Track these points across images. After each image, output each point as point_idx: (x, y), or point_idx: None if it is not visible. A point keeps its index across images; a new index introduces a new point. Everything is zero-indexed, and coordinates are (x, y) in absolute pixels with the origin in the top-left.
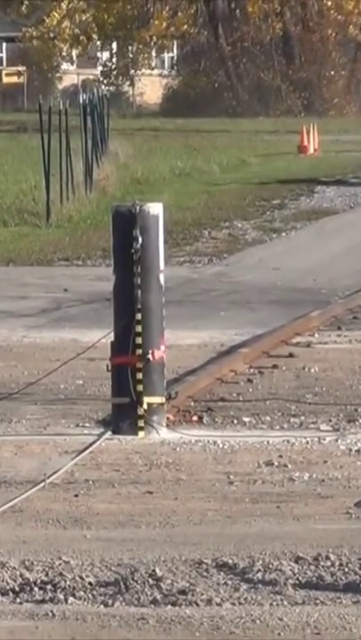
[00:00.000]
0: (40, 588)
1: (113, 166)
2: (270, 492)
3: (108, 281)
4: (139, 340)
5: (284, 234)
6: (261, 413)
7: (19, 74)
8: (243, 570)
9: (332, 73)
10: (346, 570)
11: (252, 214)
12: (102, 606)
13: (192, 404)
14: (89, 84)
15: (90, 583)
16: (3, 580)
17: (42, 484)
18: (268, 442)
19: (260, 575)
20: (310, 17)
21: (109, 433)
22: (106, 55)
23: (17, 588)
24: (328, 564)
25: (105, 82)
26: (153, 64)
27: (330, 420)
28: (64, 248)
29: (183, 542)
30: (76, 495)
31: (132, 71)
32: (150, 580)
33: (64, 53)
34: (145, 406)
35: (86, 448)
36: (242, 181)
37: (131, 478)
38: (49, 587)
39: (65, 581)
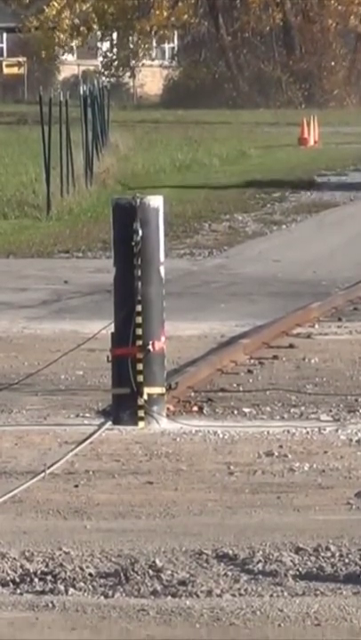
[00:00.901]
0: (40, 579)
1: (113, 158)
2: (271, 483)
3: (108, 273)
4: (139, 332)
5: (284, 226)
6: (262, 404)
7: (19, 65)
8: (243, 561)
9: (333, 64)
10: (346, 561)
11: (253, 207)
12: (102, 597)
13: (192, 394)
14: (89, 76)
15: (90, 574)
16: (3, 571)
17: (42, 475)
18: (268, 432)
19: (260, 566)
20: (311, 7)
21: (110, 423)
22: (106, 46)
23: (17, 579)
24: (328, 554)
25: (105, 73)
26: (153, 55)
27: (330, 411)
28: (64, 240)
29: (183, 533)
30: (77, 486)
31: (133, 62)
32: (150, 570)
33: (64, 44)
34: (145, 397)
35: (86, 438)
36: (242, 174)
37: (131, 469)
38: (49, 578)
39: (65, 572)
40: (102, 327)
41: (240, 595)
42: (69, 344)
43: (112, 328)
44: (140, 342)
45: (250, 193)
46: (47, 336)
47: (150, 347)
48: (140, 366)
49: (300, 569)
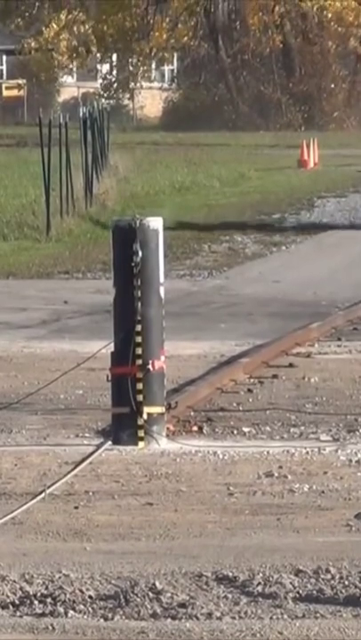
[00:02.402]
0: (40, 602)
1: (113, 180)
2: (270, 504)
3: (107, 293)
4: (139, 351)
5: (284, 247)
6: (261, 423)
7: (19, 87)
8: (243, 583)
9: (333, 86)
10: (346, 583)
11: (252, 228)
12: (102, 620)
13: (192, 413)
14: (89, 98)
15: (90, 596)
16: (3, 594)
17: (42, 495)
18: (268, 452)
19: (260, 588)
20: (310, 29)
21: (109, 443)
22: (106, 68)
23: (17, 602)
24: (328, 577)
25: (105, 95)
26: (153, 77)
27: (330, 430)
28: (64, 261)
29: (183, 555)
30: (76, 507)
31: (132, 84)
32: (150, 593)
33: (63, 66)
34: (145, 416)
35: (86, 458)
36: (242, 195)
37: (131, 490)
38: (49, 600)
39: (65, 595)
40: (102, 346)
41: (240, 617)
42: (69, 363)
43: (112, 347)
44: (139, 361)
45: (249, 214)
46: (47, 355)
47: (150, 366)
48: (139, 386)
49: (300, 591)
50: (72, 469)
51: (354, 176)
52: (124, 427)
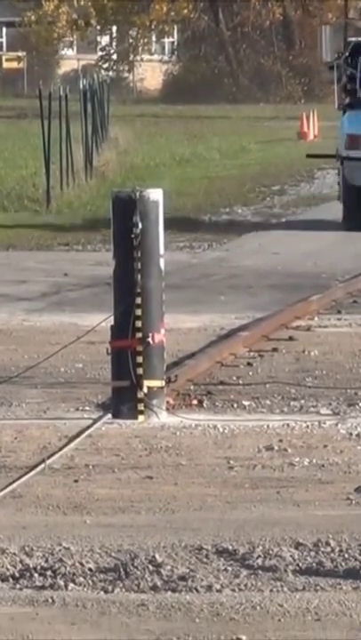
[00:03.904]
0: (40, 575)
1: (113, 152)
2: (270, 478)
3: (107, 265)
4: (138, 324)
5: (283, 219)
6: (261, 397)
7: (19, 59)
8: (243, 556)
9: None
10: (346, 556)
11: (253, 200)
12: (102, 592)
13: (192, 387)
14: (89, 70)
15: (90, 569)
16: (3, 566)
17: (42, 466)
18: (268, 426)
19: (260, 561)
20: (310, 1)
21: (109, 416)
22: (105, 40)
23: (17, 574)
24: (328, 549)
25: (104, 67)
26: (153, 49)
27: (330, 404)
28: (64, 233)
29: (183, 528)
30: (76, 480)
31: (132, 56)
32: (150, 566)
33: (63, 38)
34: (145, 390)
35: (84, 430)
36: (242, 167)
37: (131, 463)
38: (49, 573)
39: (65, 567)
40: (102, 320)
41: (240, 590)
42: (69, 337)
43: (112, 320)
44: (139, 335)
45: (249, 186)
46: (47, 328)
47: (150, 339)
48: (139, 359)
49: (300, 564)
50: (69, 441)
51: None
52: (124, 400)
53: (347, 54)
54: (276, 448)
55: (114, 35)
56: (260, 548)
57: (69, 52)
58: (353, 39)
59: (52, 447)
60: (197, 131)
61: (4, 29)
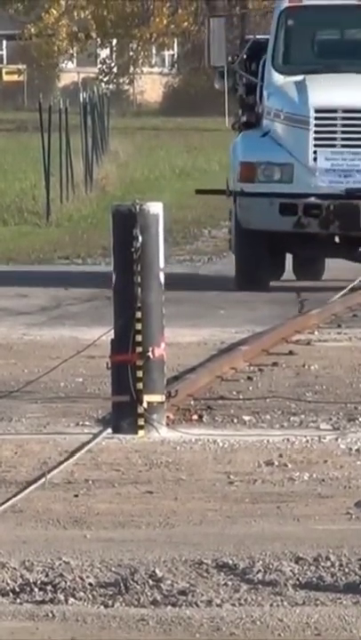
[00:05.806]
0: (40, 589)
1: (113, 165)
2: (270, 492)
3: (108, 279)
4: (139, 338)
5: None
6: (261, 412)
7: (19, 72)
8: (243, 570)
9: None
10: (346, 570)
11: None
12: (102, 607)
13: (192, 402)
14: (89, 83)
15: (90, 584)
16: (3, 581)
17: (42, 480)
18: (268, 441)
19: (260, 576)
20: None
21: (109, 431)
22: (105, 53)
23: (17, 589)
24: (328, 564)
25: (105, 80)
26: (153, 62)
27: (330, 419)
28: (64, 247)
29: (183, 542)
30: (76, 495)
31: (132, 69)
32: (150, 580)
33: (63, 51)
34: (145, 404)
35: (84, 445)
36: None
37: (131, 478)
38: (49, 587)
39: (65, 582)
40: (102, 334)
41: (240, 604)
42: (69, 351)
43: (112, 335)
44: (139, 349)
45: None
46: (47, 342)
47: (150, 353)
48: (139, 373)
49: (300, 578)
50: (69, 456)
51: None
52: (124, 415)
53: (244, 56)
54: (276, 463)
55: (114, 47)
56: (261, 562)
57: (70, 65)
58: (251, 36)
59: (52, 462)
60: (197, 143)
61: (5, 42)
